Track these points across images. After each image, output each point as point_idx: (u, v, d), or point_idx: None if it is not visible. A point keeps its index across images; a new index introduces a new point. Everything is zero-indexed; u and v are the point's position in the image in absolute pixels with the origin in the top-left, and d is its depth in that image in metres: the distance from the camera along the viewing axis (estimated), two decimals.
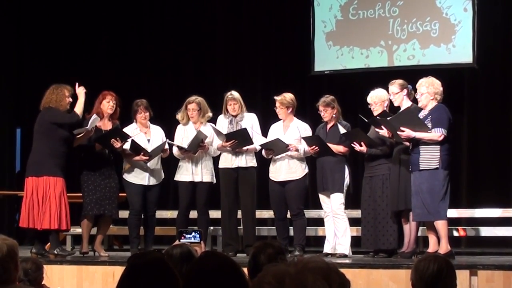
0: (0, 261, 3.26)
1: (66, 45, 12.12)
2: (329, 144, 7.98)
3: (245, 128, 8.15)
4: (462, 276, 6.15)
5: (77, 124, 7.88)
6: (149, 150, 8.20)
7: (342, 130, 8.08)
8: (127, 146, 8.17)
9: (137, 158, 8.21)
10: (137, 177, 8.28)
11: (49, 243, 8.08)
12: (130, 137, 8.11)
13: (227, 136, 8.12)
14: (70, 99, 7.93)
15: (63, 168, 7.85)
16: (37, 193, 7.73)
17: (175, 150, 8.37)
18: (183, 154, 8.28)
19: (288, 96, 8.24)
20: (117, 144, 8.01)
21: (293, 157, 8.13)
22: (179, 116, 8.46)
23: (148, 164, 8.26)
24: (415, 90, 7.49)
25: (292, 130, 8.21)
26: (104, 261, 7.67)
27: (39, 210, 7.71)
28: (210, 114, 8.43)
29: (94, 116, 7.94)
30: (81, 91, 7.97)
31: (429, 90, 7.28)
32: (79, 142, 8.02)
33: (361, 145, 7.82)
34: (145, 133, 8.38)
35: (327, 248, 8.08)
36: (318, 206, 8.38)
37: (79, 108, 7.90)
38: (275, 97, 8.27)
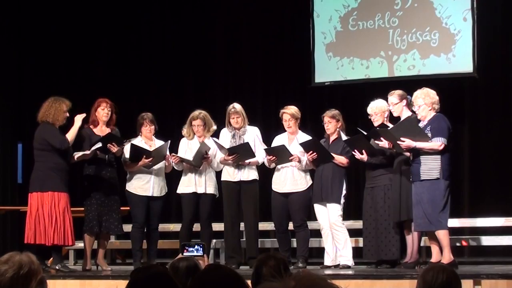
0: (11, 279, 3.10)
1: (66, 60, 12.14)
2: (332, 154, 7.95)
3: (247, 143, 8.15)
4: (466, 285, 6.11)
5: (65, 150, 7.85)
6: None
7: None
8: (126, 155, 8.18)
9: (139, 163, 8.18)
10: (141, 188, 8.26)
11: (51, 258, 8.08)
12: (125, 140, 8.11)
13: (229, 150, 8.12)
14: (67, 114, 7.89)
15: (66, 183, 7.85)
16: (43, 209, 7.70)
17: (174, 165, 8.37)
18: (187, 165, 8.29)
19: (296, 108, 8.23)
20: (113, 149, 8.01)
21: (298, 168, 8.11)
22: (184, 132, 8.45)
23: (152, 172, 8.23)
24: None
25: (297, 142, 8.17)
26: (107, 276, 7.65)
27: (45, 225, 7.68)
28: (215, 127, 8.43)
29: (99, 144, 7.95)
30: (78, 119, 7.93)
31: (426, 101, 7.28)
32: (75, 161, 8.03)
33: (362, 153, 7.81)
34: (150, 147, 8.37)
35: (327, 261, 8.04)
36: None
37: (70, 135, 7.87)
38: (284, 110, 8.21)
